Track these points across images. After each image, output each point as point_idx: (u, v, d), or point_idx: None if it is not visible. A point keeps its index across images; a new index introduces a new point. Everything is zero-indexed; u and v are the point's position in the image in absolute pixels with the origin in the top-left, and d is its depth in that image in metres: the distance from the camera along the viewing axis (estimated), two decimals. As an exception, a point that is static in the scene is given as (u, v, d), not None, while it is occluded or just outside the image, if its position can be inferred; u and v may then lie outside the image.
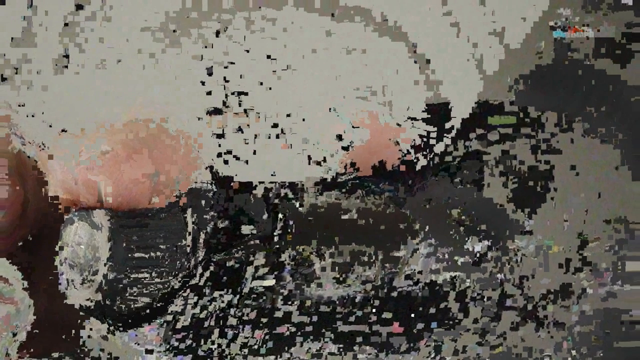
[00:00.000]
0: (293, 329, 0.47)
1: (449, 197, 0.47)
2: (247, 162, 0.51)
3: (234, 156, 0.51)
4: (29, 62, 0.54)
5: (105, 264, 0.46)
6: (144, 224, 0.47)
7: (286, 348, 0.47)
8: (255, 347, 0.47)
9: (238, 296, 0.47)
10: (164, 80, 0.53)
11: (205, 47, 0.55)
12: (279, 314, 0.47)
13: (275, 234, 0.47)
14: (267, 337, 0.47)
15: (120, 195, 0.48)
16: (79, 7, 0.56)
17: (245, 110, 0.52)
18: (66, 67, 0.54)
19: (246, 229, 0.48)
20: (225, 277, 0.47)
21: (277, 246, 0.47)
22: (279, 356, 0.47)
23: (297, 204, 0.47)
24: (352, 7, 0.55)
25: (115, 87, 0.53)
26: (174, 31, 0.56)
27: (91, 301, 0.46)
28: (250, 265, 0.47)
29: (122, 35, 0.55)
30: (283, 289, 0.47)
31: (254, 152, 0.51)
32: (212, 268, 0.47)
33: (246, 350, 0.47)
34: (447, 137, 0.49)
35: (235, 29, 0.55)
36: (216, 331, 0.47)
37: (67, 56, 0.54)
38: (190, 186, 0.49)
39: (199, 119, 0.52)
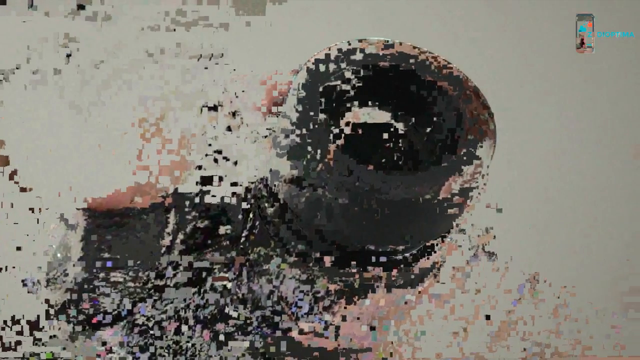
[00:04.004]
0: (232, 329, 0.46)
1: (411, 191, 0.45)
2: (235, 163, 0.50)
3: (224, 157, 0.50)
4: (28, 62, 0.54)
5: (74, 265, 0.46)
6: (122, 224, 0.47)
7: (227, 345, 0.46)
8: (204, 344, 0.46)
9: (201, 296, 0.46)
10: (161, 80, 0.53)
11: (204, 47, 0.54)
12: (229, 313, 0.45)
13: (243, 235, 0.46)
14: (212, 335, 0.46)
15: (100, 195, 0.47)
16: (81, 7, 0.56)
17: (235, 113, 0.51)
18: (66, 65, 0.54)
19: (222, 229, 0.47)
20: (192, 277, 0.46)
21: (242, 247, 0.46)
22: (220, 352, 0.46)
23: (268, 205, 0.45)
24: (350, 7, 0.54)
25: (113, 88, 0.53)
26: (174, 30, 0.56)
27: (59, 301, 0.46)
28: (215, 266, 0.46)
29: (121, 35, 0.55)
30: (238, 289, 0.46)
31: (244, 153, 0.50)
32: (181, 268, 0.46)
33: (195, 348, 0.46)
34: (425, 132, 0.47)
35: (234, 28, 0.55)
36: (173, 329, 0.46)
37: (69, 55, 0.55)
38: (178, 187, 0.48)
39: (194, 118, 0.51)
